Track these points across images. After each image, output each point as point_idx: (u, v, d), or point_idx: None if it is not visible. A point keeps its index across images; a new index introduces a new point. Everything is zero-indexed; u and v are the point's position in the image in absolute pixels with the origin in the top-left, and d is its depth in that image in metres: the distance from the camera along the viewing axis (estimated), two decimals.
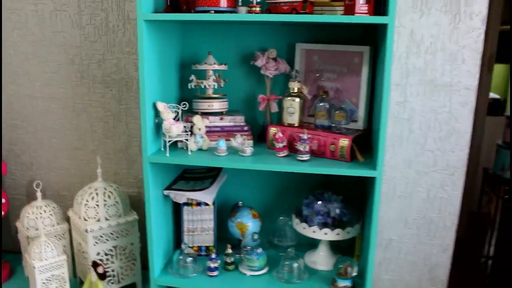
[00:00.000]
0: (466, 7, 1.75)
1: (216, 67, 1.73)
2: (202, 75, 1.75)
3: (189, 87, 1.74)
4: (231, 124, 1.73)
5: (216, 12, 1.50)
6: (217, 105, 1.72)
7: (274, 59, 1.76)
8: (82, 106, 2.11)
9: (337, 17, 1.47)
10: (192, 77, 1.74)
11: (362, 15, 1.40)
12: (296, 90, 1.67)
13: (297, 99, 1.65)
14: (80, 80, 2.09)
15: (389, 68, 1.40)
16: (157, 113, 1.60)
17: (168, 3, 1.61)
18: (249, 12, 1.51)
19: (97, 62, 2.05)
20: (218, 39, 1.84)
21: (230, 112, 1.79)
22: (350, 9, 1.44)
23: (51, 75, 2.11)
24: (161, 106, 1.58)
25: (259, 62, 1.75)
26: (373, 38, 1.70)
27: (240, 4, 1.56)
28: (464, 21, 1.76)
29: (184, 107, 1.64)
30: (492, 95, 4.53)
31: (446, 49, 1.79)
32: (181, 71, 1.87)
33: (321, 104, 1.65)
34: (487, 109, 3.88)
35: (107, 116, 2.10)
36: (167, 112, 1.59)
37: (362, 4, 1.41)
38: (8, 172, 2.24)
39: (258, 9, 1.50)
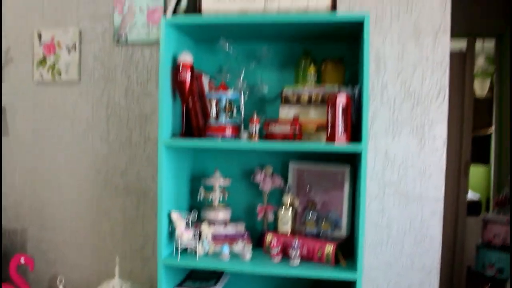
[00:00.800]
0: (429, 132, 2.00)
1: (222, 182, 1.95)
2: (209, 188, 1.96)
3: (198, 198, 1.94)
4: (234, 231, 1.92)
5: (222, 139, 1.75)
6: (222, 215, 1.92)
7: (271, 175, 1.98)
8: (105, 211, 2.31)
9: (319, 145, 1.70)
10: (201, 190, 1.95)
11: (341, 143, 1.64)
12: (289, 203, 1.87)
13: (290, 211, 1.85)
14: (105, 188, 2.31)
15: (364, 184, 1.61)
16: (170, 220, 1.80)
17: (183, 129, 1.86)
18: (250, 139, 1.75)
19: (120, 173, 2.28)
20: (224, 158, 2.08)
21: (233, 220, 1.98)
22: (331, 137, 1.68)
23: (79, 182, 2.34)
24: (175, 216, 1.78)
25: (258, 178, 1.97)
26: (353, 157, 1.92)
27: (242, 131, 1.81)
28: (428, 143, 2.00)
29: (194, 217, 1.83)
30: (472, 195, 4.71)
31: (415, 166, 2.01)
32: (192, 182, 2.08)
33: (310, 214, 1.85)
34: (467, 210, 4.04)
35: (125, 220, 2.29)
36: (180, 221, 1.78)
37: (340, 134, 1.66)
38: (34, 268, 2.39)
39: (256, 138, 1.75)
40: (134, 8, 2.20)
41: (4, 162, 2.44)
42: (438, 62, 1.96)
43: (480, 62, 4.71)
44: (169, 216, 1.79)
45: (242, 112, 1.85)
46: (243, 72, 1.89)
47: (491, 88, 4.81)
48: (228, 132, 1.77)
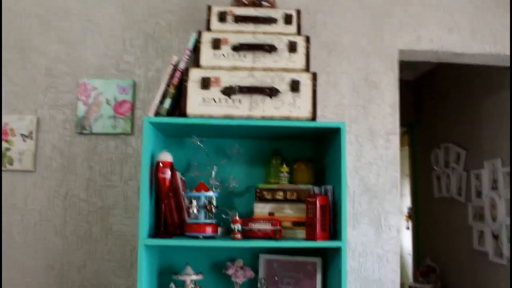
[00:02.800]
0: (385, 222, 2.16)
1: (194, 277, 1.89)
2: (180, 283, 1.90)
3: None
4: None
5: (204, 237, 1.73)
6: None
7: (242, 268, 1.98)
8: None
9: (302, 242, 1.75)
10: (172, 285, 1.88)
11: (321, 241, 1.72)
12: None
13: None
14: (59, 285, 2.12)
15: (345, 277, 1.69)
16: None
17: (161, 227, 1.81)
18: (232, 238, 1.75)
19: (77, 268, 2.12)
20: (193, 252, 2.03)
21: None
22: (311, 235, 1.74)
23: (28, 280, 2.12)
24: None
25: (230, 271, 1.96)
26: (323, 249, 1.99)
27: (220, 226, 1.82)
28: (385, 231, 2.15)
29: None
30: None
31: (374, 253, 2.14)
32: (160, 277, 2.00)
33: None
34: None
35: None
36: None
37: (320, 232, 1.73)
38: None
39: (239, 235, 1.75)
40: (101, 99, 2.16)
41: None
42: (390, 160, 2.16)
43: None
44: None
45: (215, 209, 1.85)
46: (215, 169, 1.93)
47: None
48: (209, 230, 1.76)
